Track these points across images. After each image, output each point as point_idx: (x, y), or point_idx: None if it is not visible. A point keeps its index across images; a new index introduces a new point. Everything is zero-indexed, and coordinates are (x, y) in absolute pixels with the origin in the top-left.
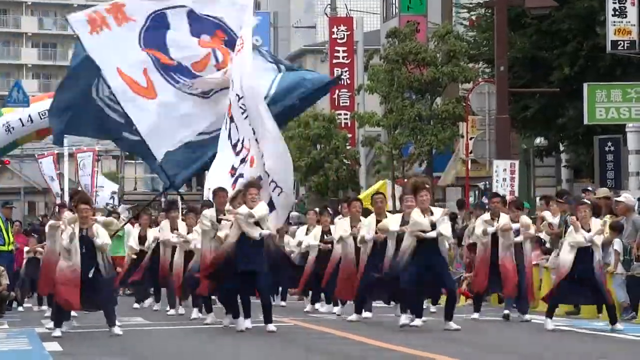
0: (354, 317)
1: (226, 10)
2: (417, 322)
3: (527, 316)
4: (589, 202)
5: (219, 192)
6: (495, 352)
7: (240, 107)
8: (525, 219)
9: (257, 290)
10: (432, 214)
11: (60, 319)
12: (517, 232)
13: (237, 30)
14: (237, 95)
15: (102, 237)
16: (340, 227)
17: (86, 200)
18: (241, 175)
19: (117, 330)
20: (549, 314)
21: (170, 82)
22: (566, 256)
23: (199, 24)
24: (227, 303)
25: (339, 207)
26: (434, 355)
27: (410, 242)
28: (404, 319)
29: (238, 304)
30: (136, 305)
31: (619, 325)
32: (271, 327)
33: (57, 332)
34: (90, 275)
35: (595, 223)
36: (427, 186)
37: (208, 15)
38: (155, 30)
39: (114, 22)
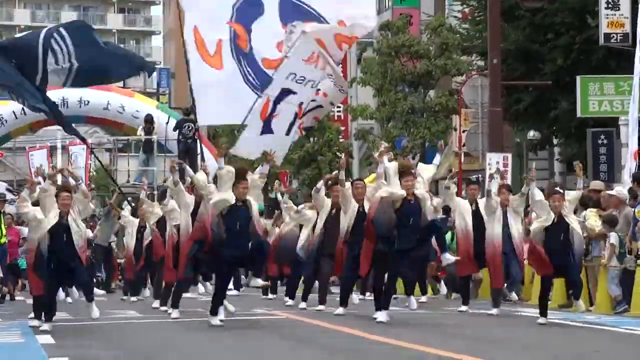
0: (340, 310)
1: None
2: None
3: (513, 295)
4: (562, 191)
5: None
6: (488, 344)
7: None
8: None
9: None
10: (415, 198)
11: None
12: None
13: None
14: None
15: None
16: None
17: (67, 189)
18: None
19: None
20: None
21: (236, 62)
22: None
23: (291, 9)
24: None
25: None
26: (424, 348)
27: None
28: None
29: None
30: (133, 298)
31: (581, 302)
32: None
33: (46, 326)
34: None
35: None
36: (413, 171)
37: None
38: (250, 7)
39: None
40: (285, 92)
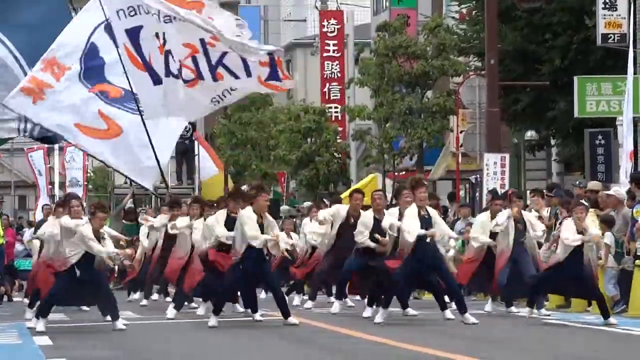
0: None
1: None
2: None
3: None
4: (586, 204)
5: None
6: (486, 345)
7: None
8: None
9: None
10: (427, 212)
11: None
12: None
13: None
14: None
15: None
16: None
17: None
18: None
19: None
20: (530, 303)
21: (126, 110)
22: (561, 254)
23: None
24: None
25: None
26: (422, 349)
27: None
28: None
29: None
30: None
31: (612, 320)
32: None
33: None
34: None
35: (591, 224)
36: (426, 183)
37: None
38: (92, 62)
39: (52, 78)
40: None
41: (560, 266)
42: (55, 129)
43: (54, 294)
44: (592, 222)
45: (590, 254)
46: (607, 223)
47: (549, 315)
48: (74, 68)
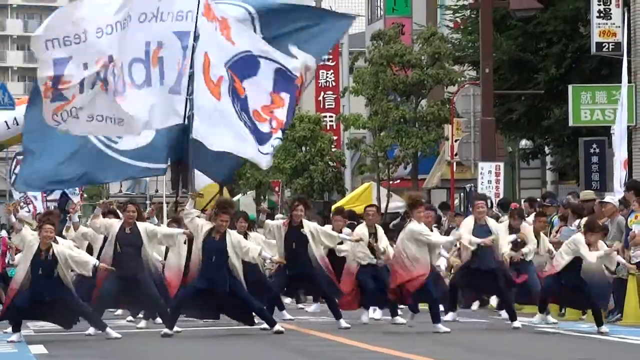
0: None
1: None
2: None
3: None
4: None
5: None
6: (482, 353)
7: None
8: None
9: None
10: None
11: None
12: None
13: None
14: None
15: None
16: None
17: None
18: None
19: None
20: (542, 309)
21: (231, 101)
22: (560, 260)
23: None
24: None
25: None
26: (415, 356)
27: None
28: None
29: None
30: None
31: (604, 328)
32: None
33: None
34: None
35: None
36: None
37: None
38: (245, 64)
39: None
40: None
41: (558, 276)
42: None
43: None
44: (530, 232)
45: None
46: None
47: (556, 323)
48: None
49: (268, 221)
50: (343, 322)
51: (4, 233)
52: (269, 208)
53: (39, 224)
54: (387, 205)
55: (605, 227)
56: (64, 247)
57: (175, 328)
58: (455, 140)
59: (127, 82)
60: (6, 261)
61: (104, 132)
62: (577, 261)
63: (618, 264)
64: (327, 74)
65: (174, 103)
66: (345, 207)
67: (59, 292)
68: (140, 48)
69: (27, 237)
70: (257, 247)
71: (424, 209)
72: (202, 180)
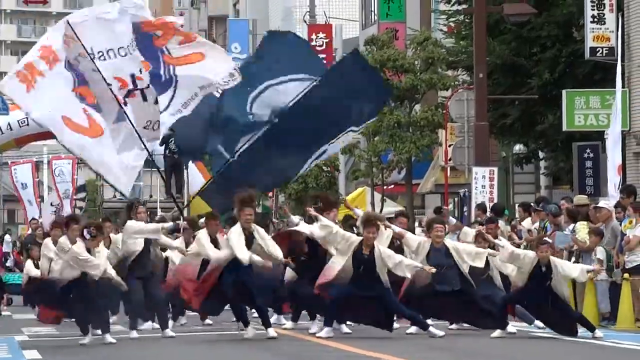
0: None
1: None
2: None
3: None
4: (550, 242)
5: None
6: (477, 357)
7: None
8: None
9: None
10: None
11: None
12: None
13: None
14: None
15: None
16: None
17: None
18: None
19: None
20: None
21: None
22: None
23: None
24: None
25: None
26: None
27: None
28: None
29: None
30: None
31: (598, 333)
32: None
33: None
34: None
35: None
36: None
37: None
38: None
39: (46, 66)
40: None
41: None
42: (42, 121)
43: None
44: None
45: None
46: (598, 235)
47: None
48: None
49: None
50: (344, 327)
51: (7, 238)
52: (263, 213)
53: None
54: (381, 210)
55: (602, 231)
56: None
57: (170, 333)
58: (449, 145)
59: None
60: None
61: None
62: (540, 279)
63: (612, 268)
64: None
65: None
66: (340, 212)
67: None
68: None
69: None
70: None
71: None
72: (196, 187)
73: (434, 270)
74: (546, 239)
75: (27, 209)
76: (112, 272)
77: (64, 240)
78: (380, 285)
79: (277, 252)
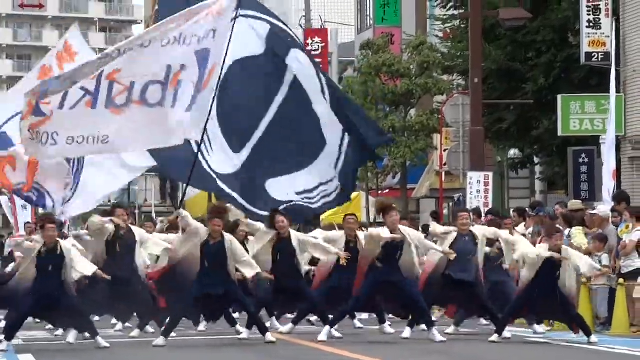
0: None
1: None
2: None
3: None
4: (562, 229)
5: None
6: None
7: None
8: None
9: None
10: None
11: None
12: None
13: None
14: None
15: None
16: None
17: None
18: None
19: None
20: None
21: None
22: (526, 274)
23: None
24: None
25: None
26: None
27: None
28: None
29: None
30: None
31: (594, 338)
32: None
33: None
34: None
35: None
36: (394, 206)
37: None
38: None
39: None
40: None
41: (531, 288)
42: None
43: None
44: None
45: (568, 274)
46: (602, 241)
47: (543, 333)
48: None
49: None
50: (335, 332)
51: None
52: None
53: (39, 225)
54: (375, 215)
55: (605, 236)
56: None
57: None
58: (444, 150)
59: (134, 99)
60: None
61: (83, 153)
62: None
63: (614, 270)
64: None
65: (183, 122)
66: (334, 217)
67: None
68: (160, 72)
69: (25, 243)
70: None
71: (396, 213)
72: (191, 190)
73: (453, 255)
74: (559, 226)
75: (19, 214)
76: (87, 268)
77: (37, 238)
78: (398, 273)
79: (249, 265)
